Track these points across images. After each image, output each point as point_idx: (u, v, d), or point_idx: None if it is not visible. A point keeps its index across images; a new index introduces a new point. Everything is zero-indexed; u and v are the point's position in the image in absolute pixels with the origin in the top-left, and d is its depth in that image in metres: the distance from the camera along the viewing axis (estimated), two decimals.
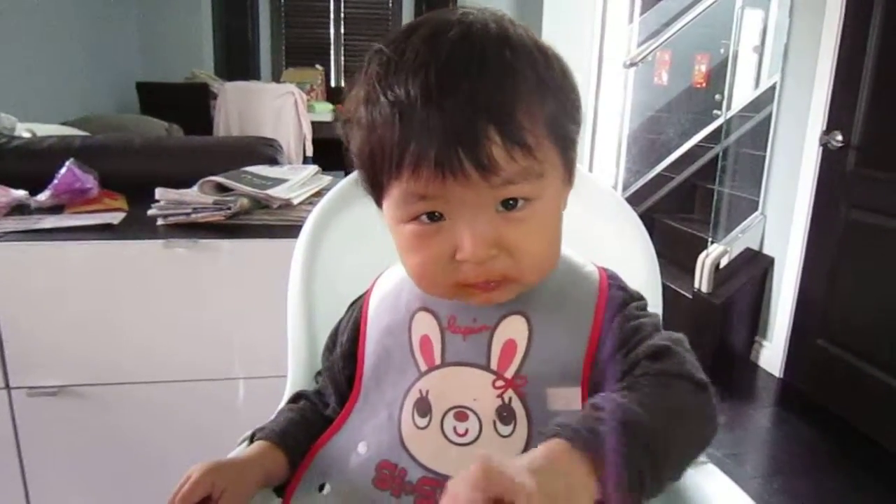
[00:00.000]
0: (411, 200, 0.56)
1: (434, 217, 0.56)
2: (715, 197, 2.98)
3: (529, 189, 0.55)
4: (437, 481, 0.62)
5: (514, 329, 0.63)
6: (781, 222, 2.63)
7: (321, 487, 0.66)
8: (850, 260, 2.32)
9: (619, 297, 0.64)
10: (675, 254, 3.12)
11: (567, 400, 0.60)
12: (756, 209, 2.78)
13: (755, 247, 2.76)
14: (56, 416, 1.27)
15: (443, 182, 0.52)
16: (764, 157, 2.76)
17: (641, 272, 0.78)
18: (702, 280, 2.73)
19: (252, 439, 0.68)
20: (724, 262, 2.74)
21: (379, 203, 0.61)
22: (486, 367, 0.62)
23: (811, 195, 2.46)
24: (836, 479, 1.98)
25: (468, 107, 0.51)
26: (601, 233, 0.78)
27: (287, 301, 0.83)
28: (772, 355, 2.65)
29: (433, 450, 0.63)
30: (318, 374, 0.76)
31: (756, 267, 2.70)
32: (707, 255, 2.72)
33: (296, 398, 0.75)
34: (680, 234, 3.27)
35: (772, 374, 2.62)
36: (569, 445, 0.49)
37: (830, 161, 2.38)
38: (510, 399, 0.61)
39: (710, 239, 2.86)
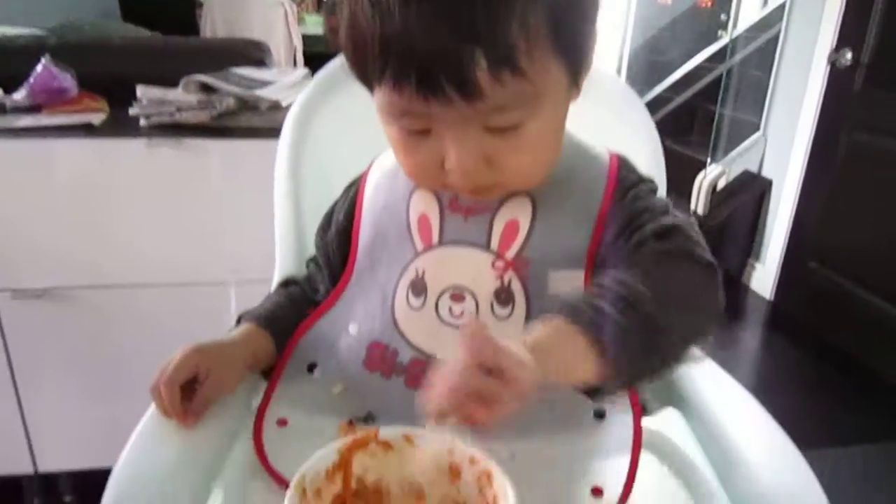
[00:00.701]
0: (395, 112, 0.53)
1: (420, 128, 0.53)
2: (715, 118, 2.91)
3: (521, 114, 0.51)
4: (429, 363, 0.61)
5: (517, 209, 0.60)
6: (782, 144, 2.58)
7: (310, 368, 0.64)
8: (850, 183, 2.29)
9: (628, 181, 0.62)
10: (673, 175, 3.06)
11: (569, 284, 0.59)
12: (757, 131, 2.73)
13: (754, 169, 2.73)
14: (43, 318, 1.25)
15: (426, 101, 0.48)
16: (768, 78, 2.68)
17: (644, 159, 0.74)
18: (698, 202, 2.71)
19: (238, 323, 0.66)
20: (721, 183, 2.70)
21: (370, 90, 0.56)
22: (486, 248, 0.61)
23: (815, 116, 2.41)
24: (820, 398, 2.02)
25: (451, 21, 0.46)
26: (603, 118, 0.74)
27: (273, 193, 0.79)
28: (764, 278, 2.66)
29: (426, 331, 0.61)
30: (310, 260, 0.74)
31: (753, 189, 2.67)
32: (704, 177, 2.68)
33: (285, 283, 0.73)
34: (678, 155, 3.21)
35: (762, 297, 2.64)
36: (568, 322, 0.48)
37: (837, 81, 2.32)
38: (509, 281, 0.59)
39: (708, 160, 2.82)
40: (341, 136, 0.79)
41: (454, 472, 0.51)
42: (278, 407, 0.62)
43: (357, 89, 0.56)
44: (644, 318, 0.48)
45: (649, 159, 0.75)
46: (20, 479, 1.40)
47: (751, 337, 2.44)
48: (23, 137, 1.18)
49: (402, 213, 0.64)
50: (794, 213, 2.51)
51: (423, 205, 0.63)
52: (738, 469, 0.58)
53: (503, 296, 0.59)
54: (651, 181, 0.63)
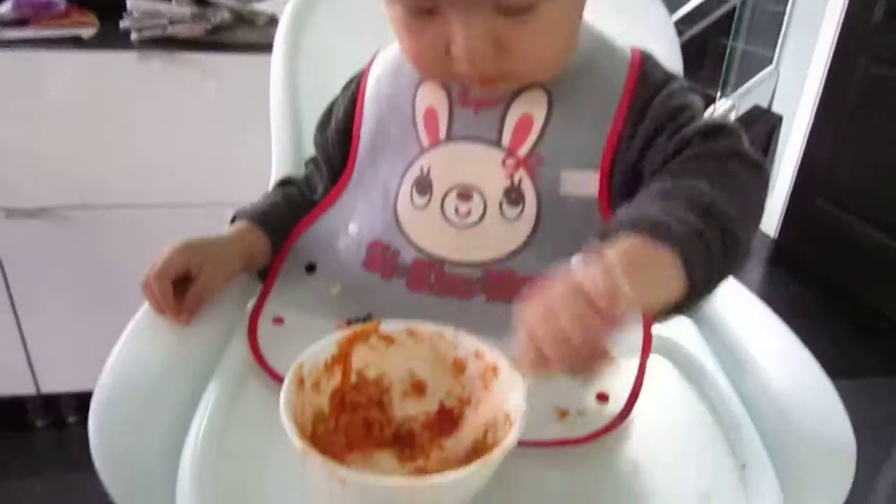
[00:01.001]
0: None
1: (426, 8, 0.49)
2: (727, 52, 2.83)
3: None
4: (432, 264, 0.59)
5: (532, 103, 0.57)
6: (795, 78, 2.51)
7: (309, 269, 0.62)
8: (863, 118, 2.23)
9: (656, 75, 0.57)
10: None
11: (583, 184, 0.56)
12: (770, 66, 2.65)
13: (764, 105, 2.66)
14: (39, 238, 1.23)
15: None
16: (784, 10, 2.59)
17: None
18: None
19: (233, 222, 0.64)
20: (730, 118, 2.64)
21: None
22: (497, 144, 0.57)
23: (830, 49, 2.33)
24: (822, 335, 2.01)
25: None
26: (621, 18, 0.70)
27: (269, 92, 0.76)
28: (769, 215, 2.63)
29: (430, 231, 0.59)
30: (308, 161, 0.71)
31: (763, 125, 2.61)
32: (713, 111, 2.62)
33: (282, 183, 0.70)
34: None
35: (766, 235, 2.61)
36: (652, 238, 0.43)
37: (856, 11, 2.23)
38: (520, 180, 0.57)
39: (718, 94, 2.75)
40: (340, 29, 0.76)
41: (458, 367, 0.49)
42: (274, 305, 0.60)
43: None
44: (724, 226, 0.45)
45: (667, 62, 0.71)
46: (23, 399, 1.40)
47: (754, 273, 2.42)
48: (10, 49, 1.14)
49: (407, 107, 0.61)
50: (802, 149, 2.46)
51: (431, 98, 0.60)
52: (750, 372, 0.57)
53: (513, 195, 0.57)
54: (680, 78, 0.59)
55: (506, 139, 0.57)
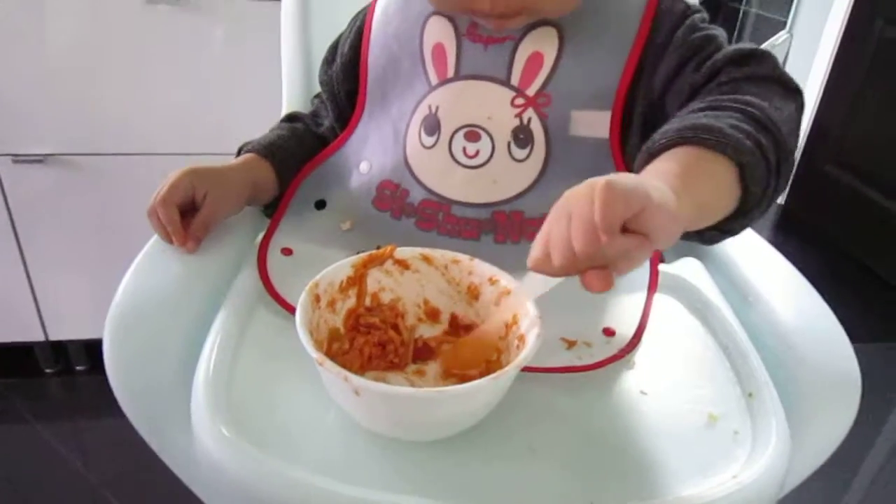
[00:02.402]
0: None
1: None
2: (741, 15, 2.78)
3: None
4: (440, 204, 0.58)
5: (543, 40, 0.55)
6: (809, 43, 2.47)
7: (319, 205, 0.62)
8: (877, 82, 2.20)
9: (676, 8, 0.55)
10: None
11: (594, 125, 0.55)
12: (783, 29, 2.61)
13: None
14: (47, 185, 1.23)
15: None
16: None
17: None
18: None
19: (239, 154, 0.63)
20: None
21: None
22: (506, 83, 0.56)
23: (846, 12, 2.29)
24: (828, 301, 2.01)
25: None
26: None
27: (280, 28, 0.75)
28: None
29: (438, 171, 0.58)
30: (314, 97, 0.70)
31: None
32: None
33: (288, 118, 0.69)
34: None
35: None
36: (708, 147, 0.40)
37: None
38: (529, 119, 0.55)
39: None
40: None
41: (472, 293, 0.50)
42: (284, 237, 0.60)
43: None
44: (778, 138, 0.43)
45: None
46: (32, 346, 1.42)
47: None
48: None
49: (415, 41, 0.59)
50: (814, 115, 2.43)
51: (439, 32, 0.58)
52: (756, 305, 0.57)
53: (521, 136, 0.56)
54: (700, 10, 0.57)
55: (515, 77, 0.56)
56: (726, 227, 0.45)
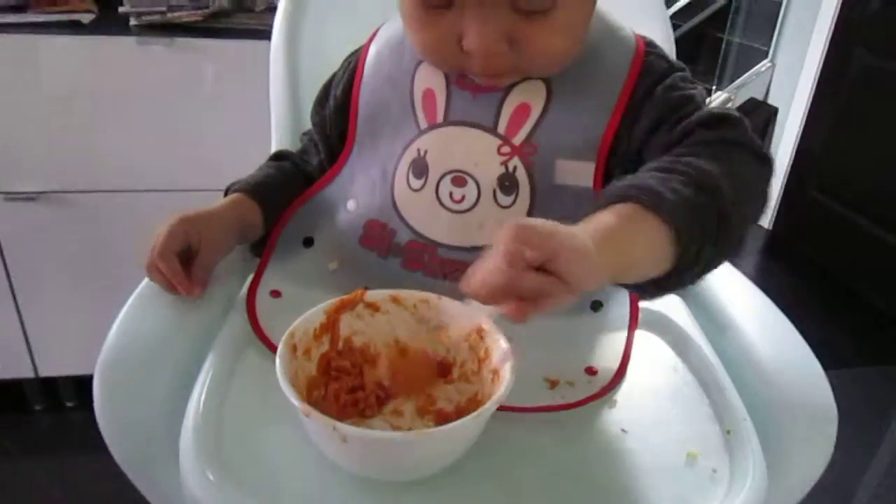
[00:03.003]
0: None
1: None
2: (724, 45, 2.84)
3: None
4: (426, 246, 0.59)
5: (531, 92, 0.57)
6: (791, 71, 2.52)
7: (306, 243, 0.63)
8: (858, 110, 2.24)
9: (659, 66, 0.57)
10: None
11: (578, 174, 0.56)
12: (765, 58, 2.66)
13: (760, 97, 2.68)
14: (38, 223, 1.24)
15: None
16: (780, 4, 2.60)
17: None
18: None
19: (226, 195, 0.64)
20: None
21: None
22: (493, 131, 0.57)
23: (826, 41, 2.34)
24: (816, 326, 2.02)
25: None
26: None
27: (269, 67, 0.77)
28: None
29: (425, 214, 0.59)
30: (303, 134, 0.71)
31: (758, 116, 2.62)
32: (709, 103, 2.62)
33: (277, 157, 0.71)
34: None
35: (761, 225, 2.63)
36: (643, 206, 0.42)
37: (852, 4, 2.24)
38: (514, 168, 0.57)
39: (714, 87, 2.76)
40: (339, 11, 0.76)
41: (442, 330, 0.51)
42: (272, 278, 0.61)
43: None
44: (721, 206, 0.44)
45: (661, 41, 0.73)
46: (21, 383, 1.41)
47: (747, 264, 2.44)
48: (9, 33, 1.14)
49: (406, 86, 0.61)
50: (797, 141, 2.48)
51: (430, 78, 0.60)
52: (734, 340, 0.58)
53: (507, 183, 0.57)
54: (683, 68, 0.59)
55: (502, 126, 0.57)
56: (661, 285, 0.46)
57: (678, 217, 0.42)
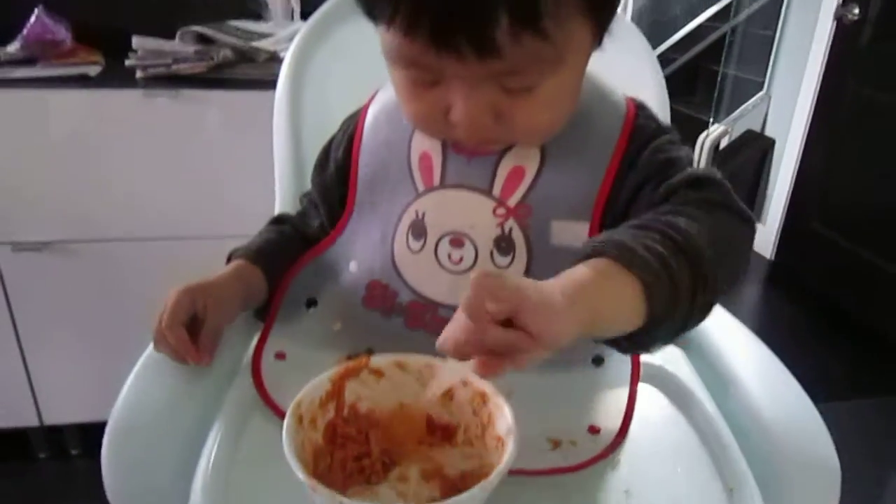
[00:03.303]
0: (402, 61, 0.49)
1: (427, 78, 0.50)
2: (719, 77, 2.87)
3: (538, 77, 0.48)
4: (427, 306, 0.60)
5: (524, 155, 0.58)
6: (786, 103, 2.56)
7: (309, 304, 0.64)
8: (854, 141, 2.27)
9: (648, 128, 0.58)
10: None
11: (573, 235, 0.57)
12: (761, 90, 2.70)
13: (757, 129, 2.71)
14: (44, 272, 1.25)
15: (437, 55, 0.45)
16: (773, 36, 2.64)
17: (650, 98, 0.73)
18: (700, 160, 2.69)
19: (229, 261, 0.65)
20: (723, 143, 2.68)
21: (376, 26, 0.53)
22: (488, 193, 0.58)
23: (820, 73, 2.38)
24: (819, 356, 2.03)
25: None
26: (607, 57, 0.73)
27: (273, 130, 0.78)
28: (765, 237, 2.65)
29: (425, 275, 0.60)
30: (303, 196, 0.73)
31: (756, 148, 2.65)
32: (707, 136, 2.66)
33: (276, 220, 0.72)
34: (681, 115, 3.19)
35: (763, 256, 2.64)
36: (616, 263, 0.43)
37: (844, 36, 2.28)
38: (510, 229, 0.58)
39: (710, 119, 2.79)
40: (341, 72, 0.78)
41: (447, 394, 0.51)
42: (277, 341, 0.62)
43: (358, 25, 0.53)
44: (696, 265, 0.45)
45: (655, 103, 0.74)
46: (26, 431, 1.41)
47: (750, 295, 2.44)
48: (18, 88, 1.17)
49: (403, 150, 0.62)
50: (795, 172, 2.50)
51: (426, 142, 0.61)
52: (736, 396, 0.59)
53: (503, 244, 0.58)
54: (671, 130, 0.60)
55: (497, 188, 0.58)
56: (635, 340, 0.46)
57: (649, 273, 0.43)
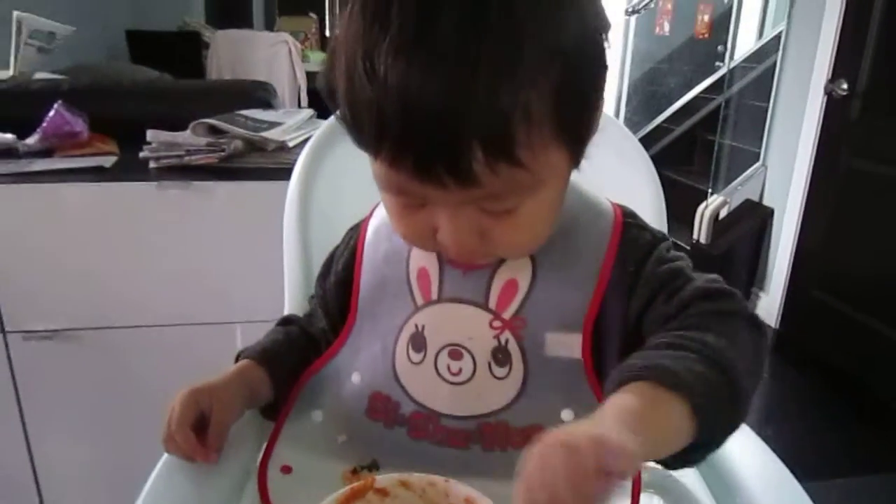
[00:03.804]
0: (391, 188, 0.52)
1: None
2: (716, 148, 2.95)
3: (516, 200, 0.50)
4: (429, 416, 0.61)
5: (517, 268, 0.60)
6: (782, 173, 2.61)
7: (315, 416, 0.65)
8: (850, 210, 2.31)
9: (642, 239, 0.60)
10: (674, 205, 3.08)
11: (567, 347, 0.58)
12: (757, 160, 2.76)
13: (755, 198, 2.75)
14: (53, 360, 1.26)
15: (421, 184, 0.47)
16: (766, 108, 2.72)
17: (646, 201, 0.76)
18: (700, 231, 2.72)
19: (237, 361, 0.67)
20: (723, 213, 2.72)
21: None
22: (484, 306, 0.60)
23: (813, 145, 2.44)
24: (830, 427, 2.00)
25: (450, 108, 0.43)
26: (603, 161, 0.76)
27: (283, 235, 0.81)
28: (768, 306, 2.66)
29: (426, 386, 0.61)
30: (312, 297, 0.75)
31: (755, 218, 2.68)
32: (706, 206, 2.70)
33: (284, 321, 0.74)
34: (679, 185, 3.25)
35: (768, 325, 2.64)
36: (660, 386, 0.45)
37: (834, 110, 2.35)
38: (506, 341, 0.59)
39: (709, 190, 2.84)
40: (351, 178, 0.80)
41: None
42: (282, 453, 0.63)
43: None
44: (732, 378, 0.47)
45: (652, 203, 0.77)
46: None
47: None
48: (36, 181, 1.21)
49: (402, 265, 0.64)
50: (796, 241, 2.52)
51: (423, 257, 0.63)
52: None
53: (500, 356, 0.59)
54: (665, 237, 0.62)
55: (492, 301, 0.60)
56: (686, 458, 0.48)
57: (696, 394, 0.45)
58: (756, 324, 0.54)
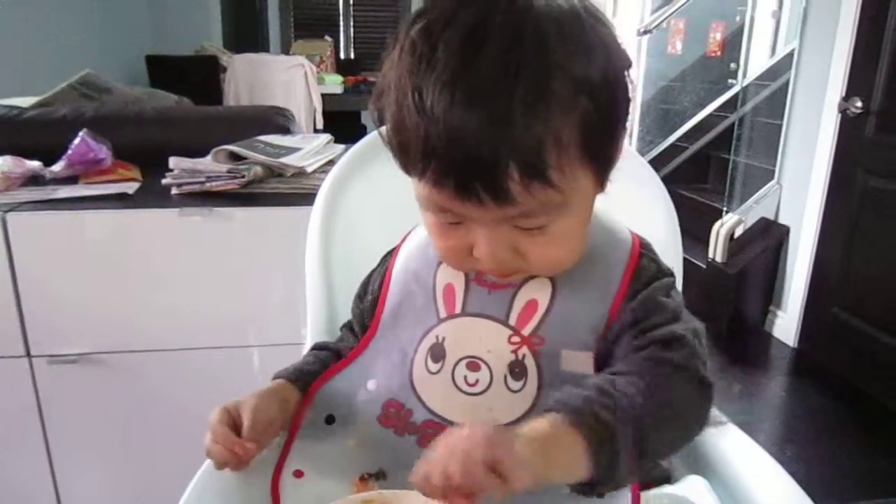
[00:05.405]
0: (433, 207, 0.56)
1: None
2: (730, 167, 2.95)
3: (548, 218, 0.55)
4: (441, 425, 0.63)
5: (538, 289, 0.63)
6: (797, 191, 2.60)
7: (329, 420, 0.67)
8: (866, 228, 2.29)
9: (650, 270, 0.64)
10: (689, 224, 3.08)
11: (580, 363, 0.61)
12: (772, 178, 2.76)
13: (770, 216, 2.74)
14: (77, 383, 1.29)
15: (462, 203, 0.52)
16: (780, 126, 2.72)
17: (661, 230, 0.77)
18: (716, 250, 2.72)
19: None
20: (738, 231, 2.71)
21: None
22: (505, 322, 0.63)
23: (828, 163, 2.43)
24: (850, 446, 1.98)
25: (491, 134, 0.48)
26: (619, 188, 0.78)
27: (305, 263, 0.83)
28: (786, 325, 2.64)
29: (442, 395, 0.64)
30: (343, 326, 0.77)
31: (771, 236, 2.67)
32: (722, 225, 2.70)
33: (316, 347, 0.76)
34: (694, 204, 3.25)
35: (786, 344, 2.61)
36: (568, 423, 0.50)
37: (848, 128, 2.35)
38: (524, 356, 0.62)
39: (724, 209, 2.84)
40: (373, 206, 0.83)
41: None
42: (296, 458, 0.65)
43: (389, 163, 0.59)
44: (642, 441, 0.51)
45: (666, 225, 0.78)
46: None
47: (776, 385, 2.41)
48: (61, 208, 1.24)
49: (429, 280, 0.67)
50: (812, 259, 2.51)
51: (450, 275, 0.66)
52: None
53: (517, 370, 0.62)
54: (670, 274, 0.65)
55: (513, 318, 0.63)
56: (586, 489, 0.52)
57: (597, 441, 0.49)
58: (700, 379, 0.58)
